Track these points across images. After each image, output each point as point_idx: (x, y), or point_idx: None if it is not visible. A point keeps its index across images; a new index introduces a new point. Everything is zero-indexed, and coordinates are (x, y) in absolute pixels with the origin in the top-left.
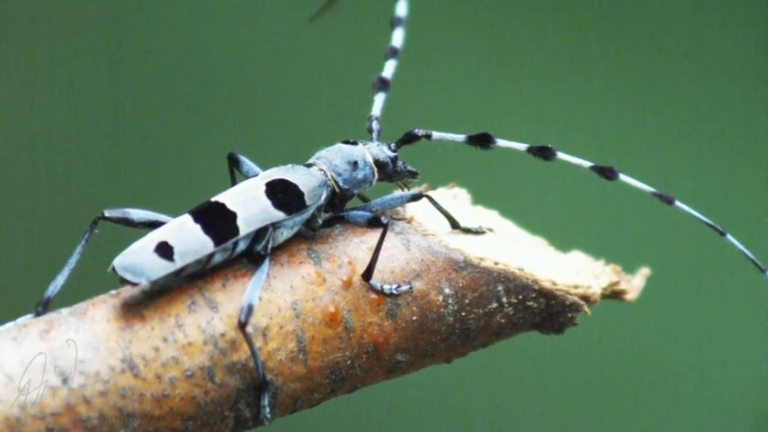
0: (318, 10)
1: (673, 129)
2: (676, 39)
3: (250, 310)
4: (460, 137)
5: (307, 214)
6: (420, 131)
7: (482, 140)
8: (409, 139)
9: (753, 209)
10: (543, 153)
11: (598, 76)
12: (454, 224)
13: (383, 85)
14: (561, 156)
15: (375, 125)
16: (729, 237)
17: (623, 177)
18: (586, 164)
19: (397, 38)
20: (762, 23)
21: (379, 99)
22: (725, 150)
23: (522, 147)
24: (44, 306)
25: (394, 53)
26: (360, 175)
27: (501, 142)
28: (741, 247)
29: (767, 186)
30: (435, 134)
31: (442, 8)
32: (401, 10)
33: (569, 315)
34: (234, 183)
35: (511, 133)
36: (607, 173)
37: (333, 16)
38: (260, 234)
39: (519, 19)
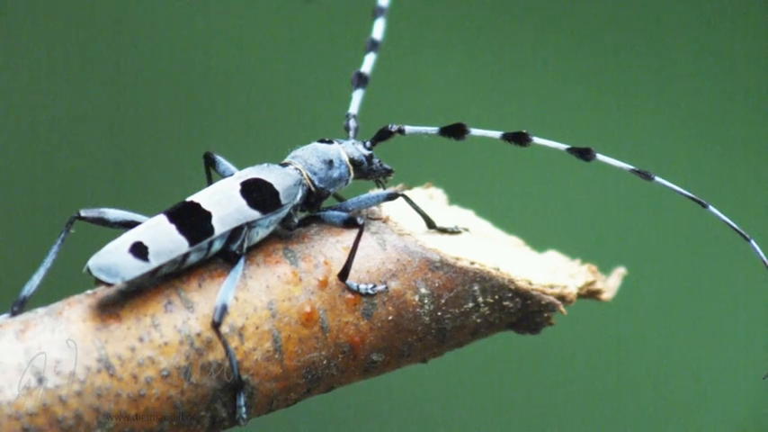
0: None
1: (657, 128)
2: (660, 31)
3: (224, 310)
4: (434, 129)
5: (282, 213)
6: (393, 127)
7: (456, 131)
8: (383, 135)
9: (737, 195)
10: (518, 139)
11: (581, 71)
12: (430, 224)
13: (361, 80)
14: (537, 140)
15: (352, 123)
16: (711, 208)
17: (600, 157)
18: (563, 147)
19: (378, 29)
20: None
21: (357, 96)
22: (711, 142)
23: (497, 134)
24: (20, 306)
25: (374, 46)
26: (335, 173)
27: (475, 131)
28: (724, 217)
29: (754, 171)
30: (409, 128)
31: (419, 1)
32: (383, 0)
33: (545, 315)
34: (210, 182)
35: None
36: (584, 154)
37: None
38: (235, 233)
39: (499, 12)
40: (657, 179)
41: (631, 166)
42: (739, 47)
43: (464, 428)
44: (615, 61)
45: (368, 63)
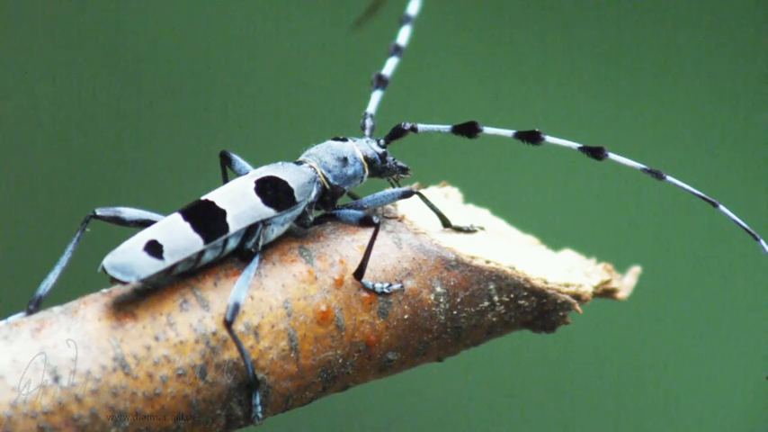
0: (362, 16)
1: (669, 128)
2: (667, 36)
3: (236, 308)
4: (447, 127)
5: (297, 211)
6: (406, 125)
7: (468, 129)
8: (397, 133)
9: (747, 195)
10: (530, 138)
11: (593, 71)
12: (445, 222)
13: (381, 82)
14: (549, 139)
15: (368, 122)
16: (722, 207)
17: (612, 156)
18: (575, 145)
19: (403, 36)
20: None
21: (376, 96)
22: (716, 144)
23: (509, 133)
24: (36, 304)
25: (397, 50)
26: (350, 171)
27: (488, 130)
28: (734, 216)
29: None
30: (421, 126)
31: (434, 5)
32: (412, 8)
33: (561, 314)
34: (226, 181)
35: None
36: (596, 153)
37: (374, 21)
38: (250, 231)
39: (512, 16)
40: (669, 178)
41: (643, 165)
42: (753, 45)
43: (478, 427)
44: (628, 61)
45: (389, 66)
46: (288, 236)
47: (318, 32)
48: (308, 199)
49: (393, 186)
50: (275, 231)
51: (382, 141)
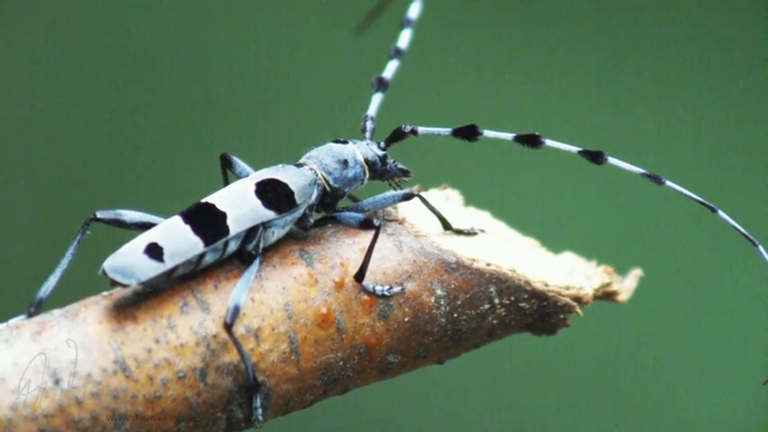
0: (363, 20)
1: (669, 132)
2: (668, 39)
3: (236, 311)
4: (447, 130)
5: (297, 213)
6: (406, 127)
7: (469, 132)
8: (397, 136)
9: (746, 198)
10: (530, 141)
11: (592, 77)
12: (446, 225)
13: (381, 85)
14: (549, 143)
15: (369, 124)
16: (721, 213)
17: (612, 160)
18: (574, 149)
19: (404, 39)
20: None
21: (376, 99)
22: (716, 150)
23: (509, 136)
24: (36, 307)
25: (398, 53)
26: (350, 173)
27: (488, 133)
28: (733, 222)
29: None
30: (422, 129)
31: (435, 9)
32: (413, 12)
33: (561, 316)
34: (226, 184)
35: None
36: (596, 157)
37: (375, 25)
38: (251, 234)
39: (512, 20)
40: (668, 183)
41: (642, 170)
42: (754, 48)
43: (478, 428)
44: (629, 65)
45: (390, 69)
46: (288, 238)
47: (319, 35)
48: (309, 201)
49: (394, 189)
50: (276, 234)
51: (383, 144)
